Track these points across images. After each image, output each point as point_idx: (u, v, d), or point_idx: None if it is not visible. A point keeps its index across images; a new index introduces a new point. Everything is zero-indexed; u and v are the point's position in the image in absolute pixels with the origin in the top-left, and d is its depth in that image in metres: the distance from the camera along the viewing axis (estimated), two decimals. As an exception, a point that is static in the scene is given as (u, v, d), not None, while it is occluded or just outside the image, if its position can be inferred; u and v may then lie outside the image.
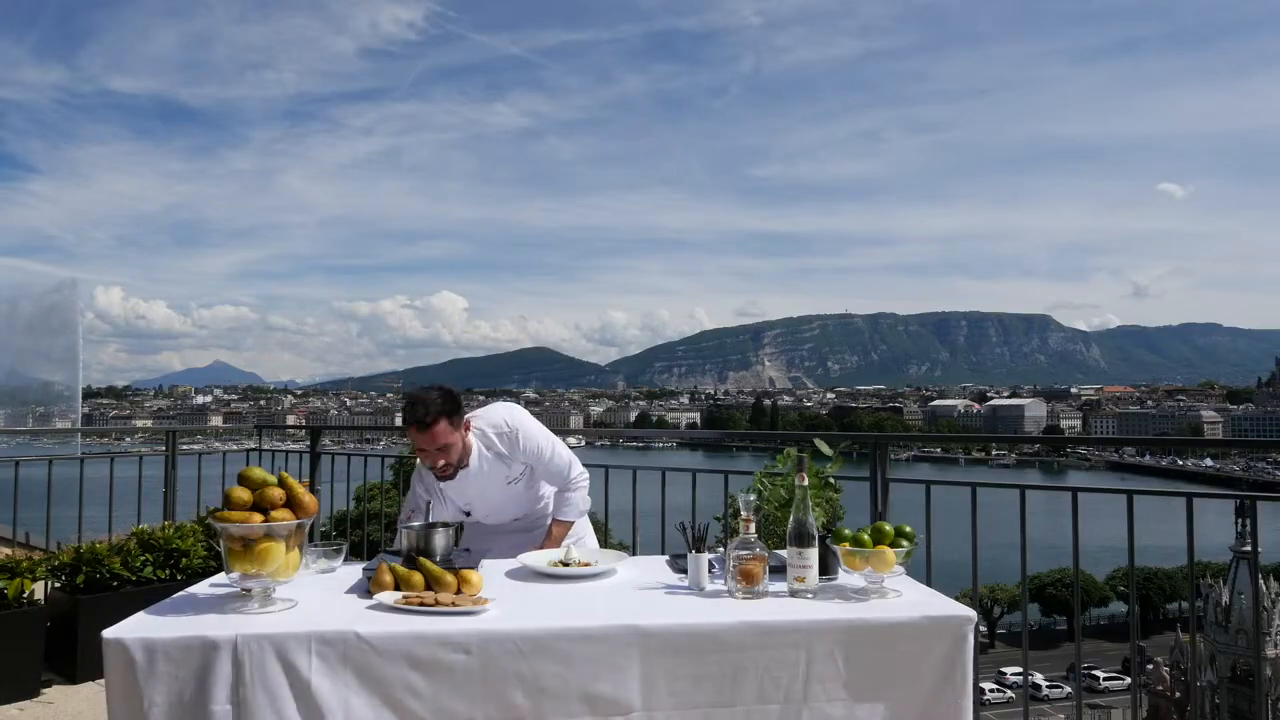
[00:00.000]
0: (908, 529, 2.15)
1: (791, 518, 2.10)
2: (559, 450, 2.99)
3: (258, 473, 2.00)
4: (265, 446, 5.97)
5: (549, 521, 3.06)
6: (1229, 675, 26.67)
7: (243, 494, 1.95)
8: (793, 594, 2.08)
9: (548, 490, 3.10)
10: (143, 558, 3.85)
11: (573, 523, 3.01)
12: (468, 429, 2.83)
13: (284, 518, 1.94)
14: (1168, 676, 29.90)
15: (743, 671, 1.86)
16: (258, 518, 1.92)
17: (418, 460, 2.88)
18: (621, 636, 1.85)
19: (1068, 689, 33.82)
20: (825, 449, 2.68)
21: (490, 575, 2.28)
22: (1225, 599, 27.76)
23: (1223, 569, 30.32)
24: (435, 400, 2.69)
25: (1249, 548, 7.73)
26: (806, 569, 2.08)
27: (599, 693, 1.82)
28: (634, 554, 3.10)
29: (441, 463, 2.74)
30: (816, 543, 2.10)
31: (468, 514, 2.99)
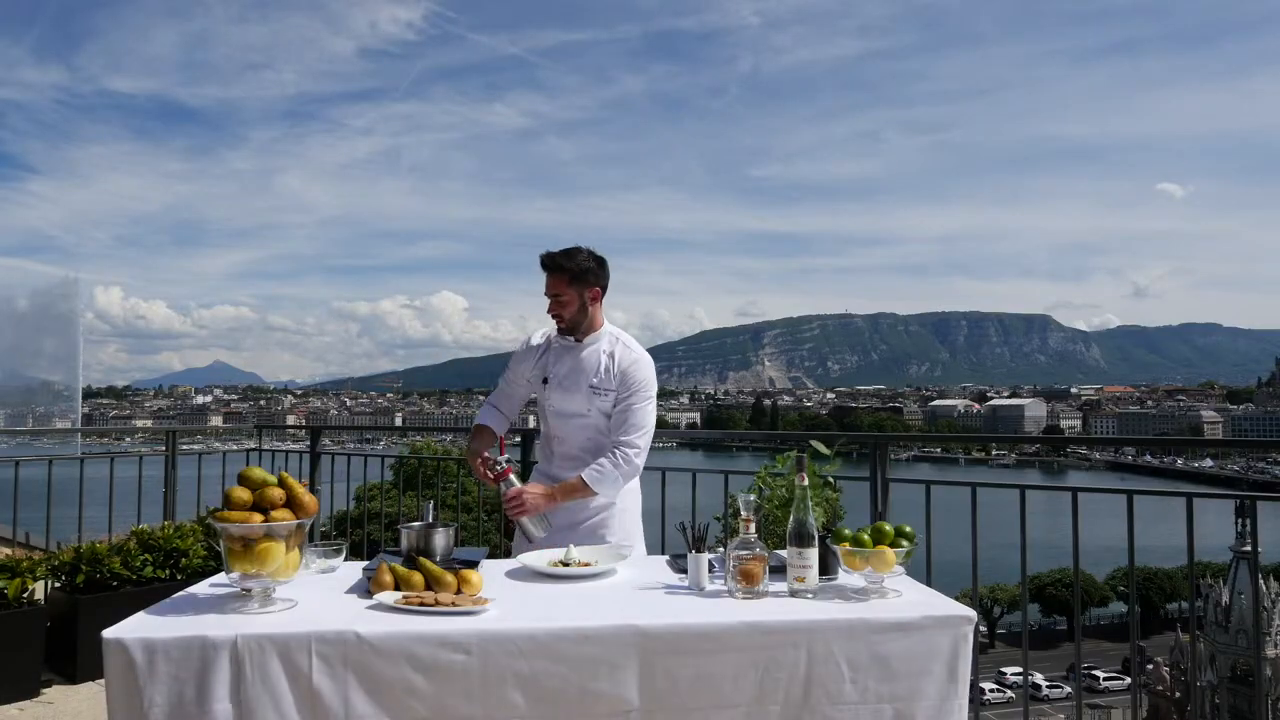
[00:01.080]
0: (908, 529, 2.15)
1: (791, 518, 2.10)
2: (646, 416, 2.92)
3: (258, 473, 2.00)
4: (265, 446, 5.97)
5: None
6: (1229, 675, 26.67)
7: (243, 494, 1.95)
8: (793, 594, 2.08)
9: (603, 441, 2.96)
10: (143, 558, 3.85)
11: (594, 493, 2.85)
12: (596, 301, 2.95)
13: (284, 518, 1.94)
14: (1168, 676, 29.90)
15: (743, 672, 1.86)
16: (258, 518, 1.92)
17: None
18: (621, 636, 1.84)
19: (1068, 689, 33.82)
20: (823, 449, 2.68)
21: (490, 575, 2.27)
22: (1225, 599, 27.77)
23: (1223, 569, 30.33)
24: (569, 256, 2.89)
25: (1249, 548, 7.73)
26: (806, 569, 2.08)
27: (599, 693, 1.82)
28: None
29: (553, 311, 2.92)
30: (816, 543, 2.10)
31: (545, 380, 3.01)
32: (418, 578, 2.09)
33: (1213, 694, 26.72)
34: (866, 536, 2.12)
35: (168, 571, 3.90)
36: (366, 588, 2.10)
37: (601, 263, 2.95)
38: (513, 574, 2.36)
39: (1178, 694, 28.96)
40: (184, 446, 5.55)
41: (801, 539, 2.08)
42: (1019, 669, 17.41)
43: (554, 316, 2.94)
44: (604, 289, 2.98)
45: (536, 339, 3.09)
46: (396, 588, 2.08)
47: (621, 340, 3.00)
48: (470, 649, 1.79)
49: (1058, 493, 3.60)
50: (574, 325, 2.94)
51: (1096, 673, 34.71)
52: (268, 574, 1.91)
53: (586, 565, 2.37)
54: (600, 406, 2.93)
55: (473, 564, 2.25)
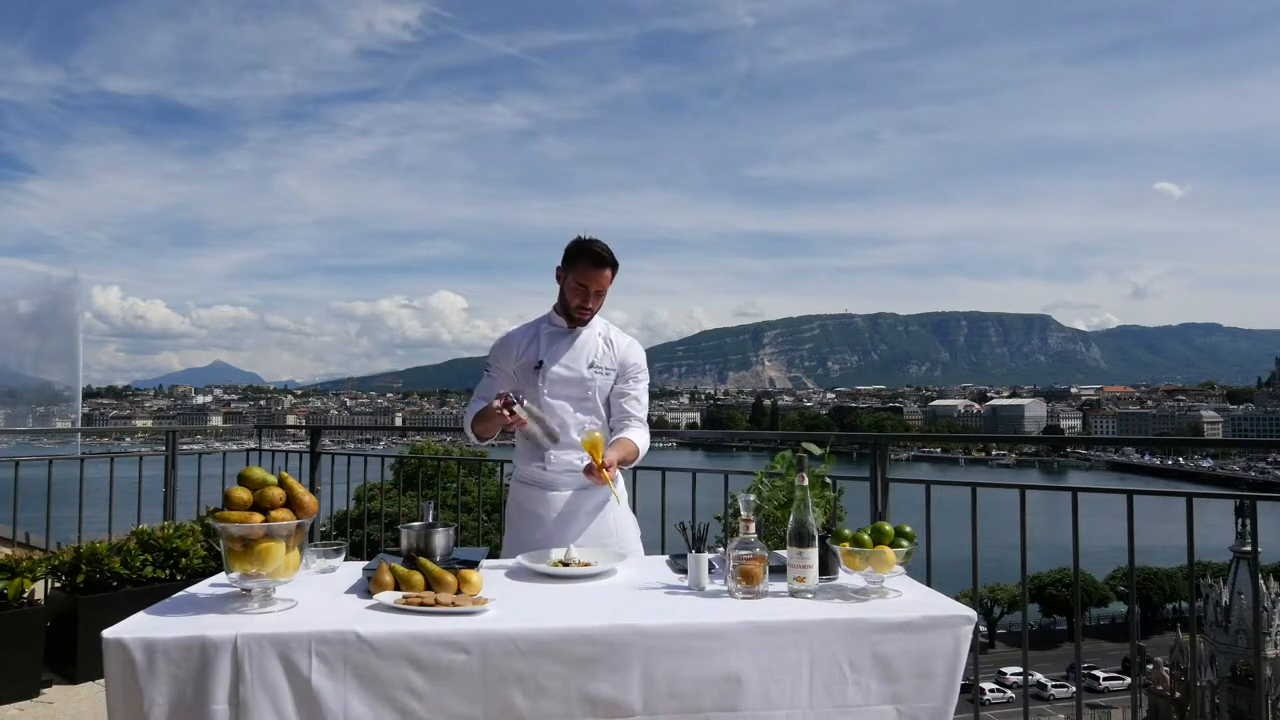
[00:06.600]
0: (908, 529, 2.15)
1: (791, 518, 2.10)
2: (646, 399, 3.06)
3: (258, 473, 2.00)
4: (265, 446, 5.97)
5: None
6: (1229, 675, 26.67)
7: (243, 494, 1.95)
8: (793, 594, 2.08)
9: (579, 428, 2.95)
10: (143, 558, 3.85)
11: (636, 449, 2.91)
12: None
13: (284, 518, 1.94)
14: (1168, 676, 29.90)
15: (745, 673, 1.86)
16: (258, 518, 1.92)
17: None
18: (621, 636, 1.84)
19: (1070, 688, 33.81)
20: (815, 449, 2.68)
21: (490, 575, 2.28)
22: (1225, 599, 27.78)
23: (1223, 569, 30.33)
24: (610, 251, 2.92)
25: (1249, 548, 7.73)
26: (806, 569, 2.08)
27: (599, 693, 1.81)
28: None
29: (591, 304, 2.94)
30: (816, 543, 2.10)
31: (540, 364, 2.98)
32: (418, 578, 2.08)
33: (1213, 694, 26.71)
34: (866, 536, 2.12)
35: (168, 571, 3.90)
36: (366, 588, 2.10)
37: None
38: (513, 574, 2.36)
39: (1178, 694, 28.96)
40: (184, 446, 5.54)
41: (801, 539, 2.08)
42: (1019, 669, 17.41)
43: (584, 309, 2.94)
44: None
45: (517, 330, 3.09)
46: (396, 588, 2.08)
47: (611, 325, 3.09)
48: (470, 649, 1.79)
49: (1058, 493, 3.60)
50: (594, 314, 3.01)
51: (1096, 673, 34.74)
52: (268, 574, 1.91)
53: (586, 565, 2.37)
54: (600, 385, 2.96)
55: (473, 564, 2.25)
